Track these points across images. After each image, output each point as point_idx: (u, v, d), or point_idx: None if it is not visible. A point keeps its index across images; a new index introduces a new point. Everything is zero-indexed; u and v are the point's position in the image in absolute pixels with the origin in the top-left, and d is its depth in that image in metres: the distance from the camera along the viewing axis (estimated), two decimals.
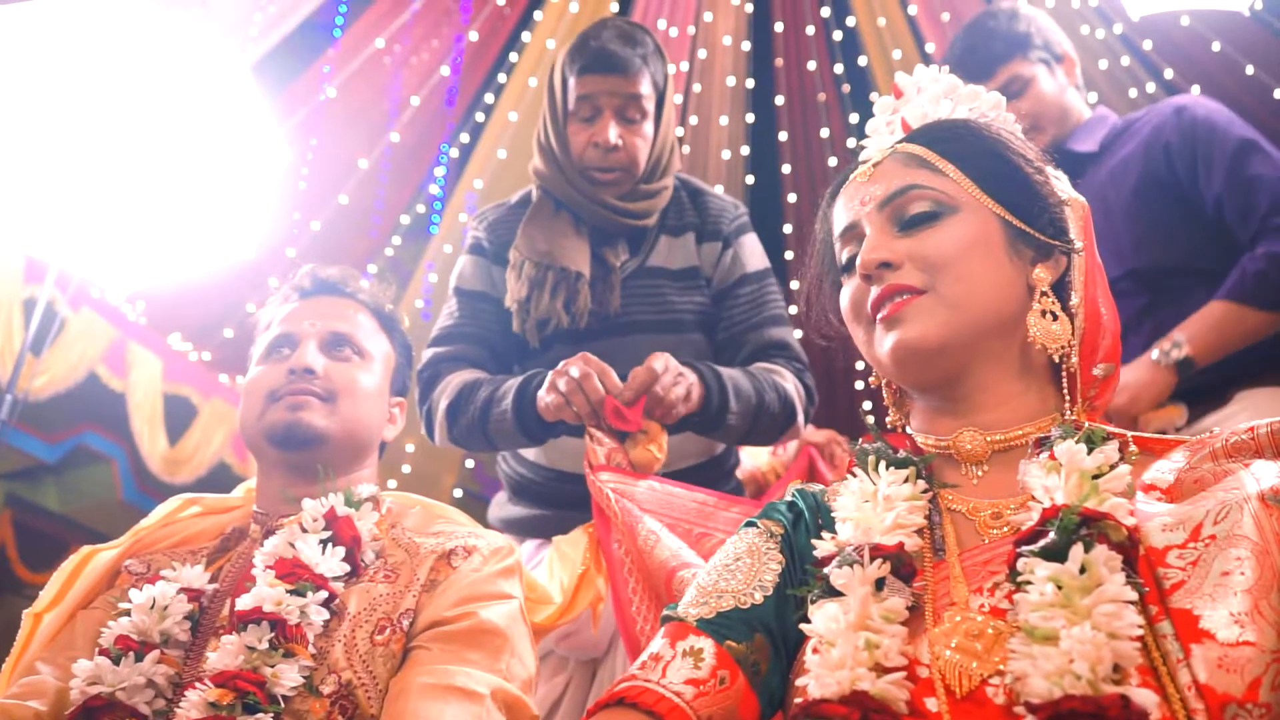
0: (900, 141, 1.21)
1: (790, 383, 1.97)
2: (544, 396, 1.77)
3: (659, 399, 1.73)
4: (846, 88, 5.42)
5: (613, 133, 2.02)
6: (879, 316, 1.11)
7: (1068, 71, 2.41)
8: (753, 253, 2.15)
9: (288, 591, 1.32)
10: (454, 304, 2.14)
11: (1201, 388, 2.09)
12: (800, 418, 2.00)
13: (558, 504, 2.06)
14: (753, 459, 2.94)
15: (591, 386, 1.71)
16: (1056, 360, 1.09)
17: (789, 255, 5.21)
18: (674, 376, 1.75)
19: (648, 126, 2.07)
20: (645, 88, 2.05)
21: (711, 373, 1.86)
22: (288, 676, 1.26)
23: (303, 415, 1.51)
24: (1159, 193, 2.20)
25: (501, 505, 2.21)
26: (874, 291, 1.11)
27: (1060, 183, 1.19)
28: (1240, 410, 2.04)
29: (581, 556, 1.72)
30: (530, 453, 2.12)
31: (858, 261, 1.13)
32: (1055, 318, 1.09)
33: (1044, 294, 1.10)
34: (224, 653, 1.28)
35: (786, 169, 5.52)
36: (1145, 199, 2.20)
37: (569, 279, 2.00)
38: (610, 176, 2.05)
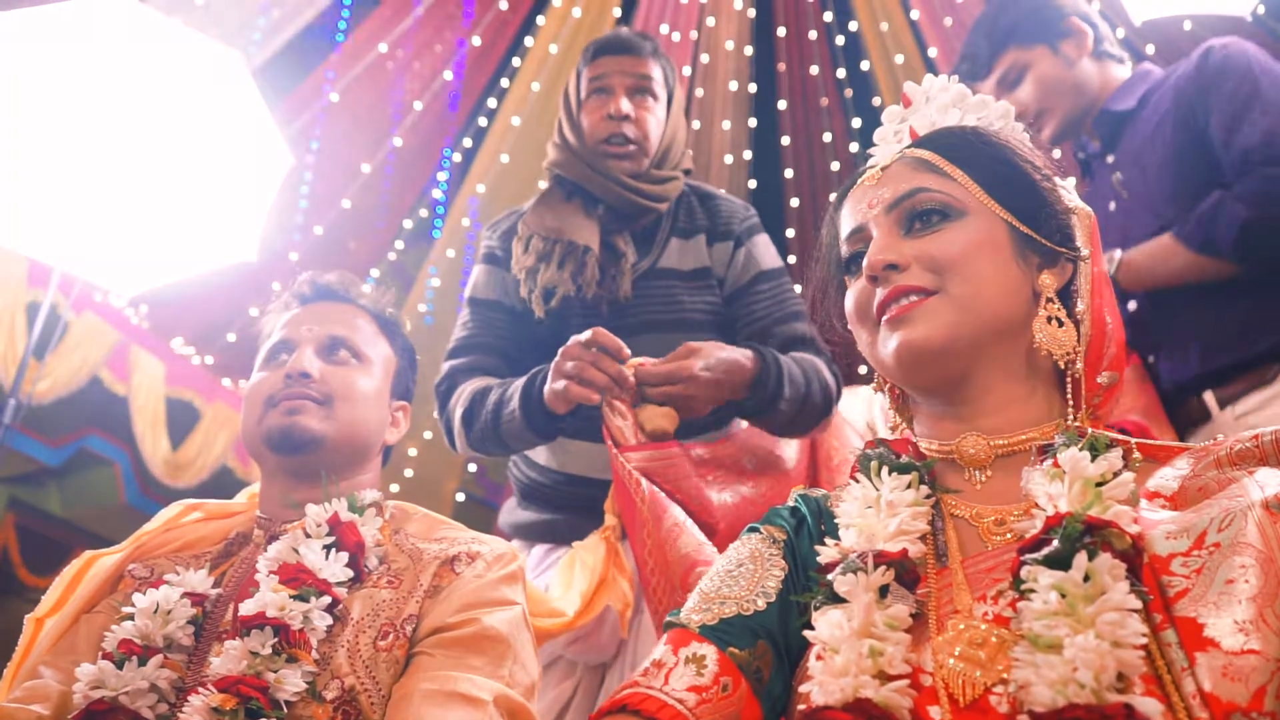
0: (909, 146, 1.21)
1: (828, 374, 1.99)
2: (552, 385, 1.78)
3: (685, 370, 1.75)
4: (849, 92, 5.42)
5: (625, 104, 2.10)
6: (885, 318, 1.11)
7: (1077, 46, 2.37)
8: (766, 251, 2.17)
9: (291, 597, 1.32)
10: (468, 314, 2.16)
11: (1243, 364, 2.05)
12: (834, 410, 2.03)
13: (568, 508, 2.07)
14: None
15: (608, 363, 1.72)
16: (1062, 367, 1.09)
17: (791, 259, 5.21)
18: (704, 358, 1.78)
19: (659, 109, 2.14)
20: (655, 73, 2.14)
21: (771, 354, 1.89)
22: (291, 682, 1.26)
23: (299, 419, 1.51)
24: (1192, 151, 2.16)
25: (511, 510, 2.22)
26: (880, 293, 1.11)
27: (1067, 192, 1.19)
28: None
29: (600, 563, 1.73)
30: (541, 457, 2.12)
31: (864, 263, 1.13)
32: (1061, 324, 1.09)
33: (1050, 300, 1.10)
34: (227, 658, 1.28)
35: (789, 173, 5.53)
36: (1180, 157, 2.16)
37: (576, 251, 2.03)
38: (622, 149, 2.10)
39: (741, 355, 1.84)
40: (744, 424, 2.06)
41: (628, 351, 1.75)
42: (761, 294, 2.10)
